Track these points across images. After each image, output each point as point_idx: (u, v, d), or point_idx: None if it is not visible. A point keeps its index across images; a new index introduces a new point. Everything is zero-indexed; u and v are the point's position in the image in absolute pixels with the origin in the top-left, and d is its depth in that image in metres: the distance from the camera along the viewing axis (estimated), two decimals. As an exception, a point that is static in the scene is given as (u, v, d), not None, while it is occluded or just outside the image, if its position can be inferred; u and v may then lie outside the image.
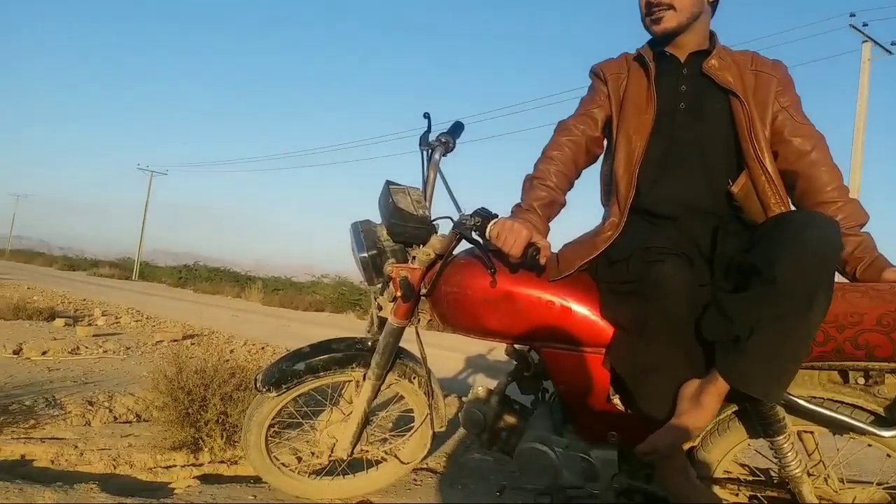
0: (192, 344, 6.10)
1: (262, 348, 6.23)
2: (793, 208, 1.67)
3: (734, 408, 1.60)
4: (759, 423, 1.54)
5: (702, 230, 1.64)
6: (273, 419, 2.05)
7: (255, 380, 2.01)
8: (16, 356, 4.76)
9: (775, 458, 1.56)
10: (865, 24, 15.32)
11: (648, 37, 1.81)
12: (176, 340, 6.36)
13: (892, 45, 15.66)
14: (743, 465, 1.72)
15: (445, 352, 5.71)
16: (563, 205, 1.86)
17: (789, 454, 1.53)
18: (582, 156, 1.87)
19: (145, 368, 4.40)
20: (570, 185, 1.88)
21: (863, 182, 14.86)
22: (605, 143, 1.90)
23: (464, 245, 1.82)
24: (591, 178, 1.95)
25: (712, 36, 1.78)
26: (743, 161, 1.66)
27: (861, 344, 1.39)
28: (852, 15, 15.28)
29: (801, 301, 1.35)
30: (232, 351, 5.52)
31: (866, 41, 15.40)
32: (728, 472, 1.68)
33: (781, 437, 1.52)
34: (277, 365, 2.01)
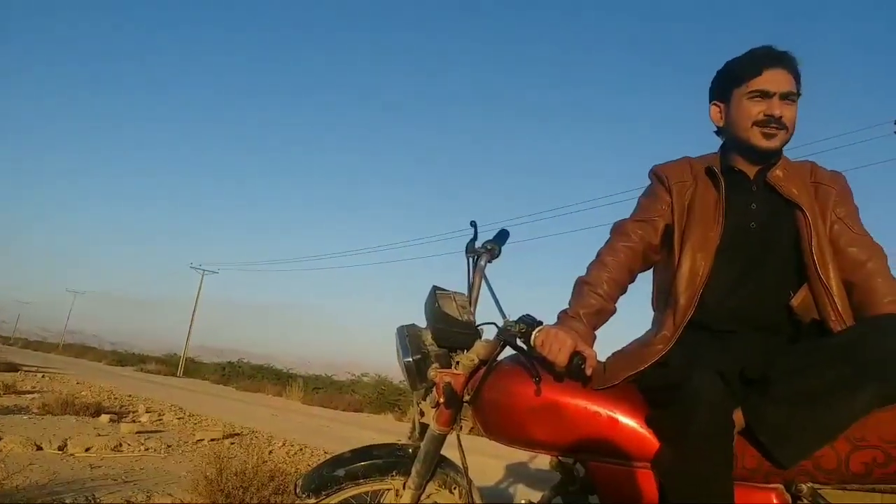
0: (233, 443, 6.08)
1: (301, 449, 6.16)
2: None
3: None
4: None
5: (758, 345, 1.62)
6: (311, 527, 2.01)
7: (295, 485, 1.99)
8: (61, 452, 4.81)
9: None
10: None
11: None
12: (216, 439, 6.35)
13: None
14: None
15: (487, 458, 5.54)
16: (613, 312, 1.81)
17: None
18: (638, 263, 1.83)
19: (185, 468, 4.39)
20: (623, 292, 1.83)
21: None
22: (664, 249, 1.86)
23: (508, 352, 1.82)
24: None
25: None
26: (804, 274, 1.65)
27: (927, 466, 1.32)
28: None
29: (855, 374, 1.34)
30: (271, 452, 5.48)
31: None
32: None
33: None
34: (318, 470, 1.99)
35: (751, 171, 1.77)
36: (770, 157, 1.75)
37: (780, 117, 1.68)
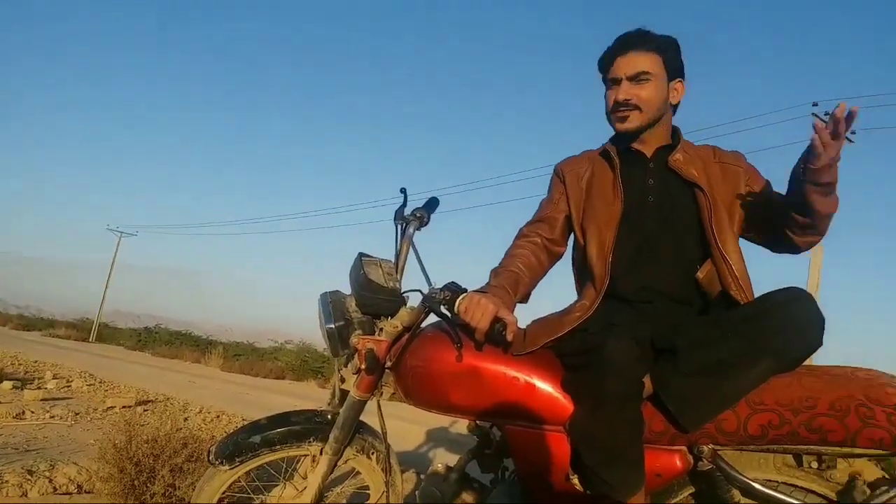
0: (146, 411, 5.90)
1: (217, 417, 6.04)
2: (753, 297, 1.69)
3: (691, 489, 1.60)
4: (716, 506, 1.53)
5: (672, 315, 1.69)
6: (223, 493, 1.97)
7: (209, 451, 1.94)
8: (-44, 419, 4.54)
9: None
10: (827, 114, 15.96)
11: (611, 132, 1.89)
12: (128, 406, 6.14)
13: (852, 134, 16.42)
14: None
15: (406, 424, 5.60)
16: (531, 285, 1.87)
17: (746, 539, 1.52)
18: (544, 255, 1.92)
19: (93, 436, 4.23)
20: (536, 275, 1.90)
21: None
22: (572, 236, 1.94)
23: (433, 319, 1.82)
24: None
25: (675, 131, 1.87)
26: (708, 249, 1.72)
27: (815, 428, 1.41)
28: (815, 104, 15.95)
29: (754, 347, 1.45)
30: (186, 419, 5.35)
31: (829, 131, 15.98)
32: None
33: (739, 522, 1.51)
34: (233, 437, 1.95)
35: (647, 150, 1.85)
36: (631, 138, 1.84)
37: (627, 100, 1.77)
